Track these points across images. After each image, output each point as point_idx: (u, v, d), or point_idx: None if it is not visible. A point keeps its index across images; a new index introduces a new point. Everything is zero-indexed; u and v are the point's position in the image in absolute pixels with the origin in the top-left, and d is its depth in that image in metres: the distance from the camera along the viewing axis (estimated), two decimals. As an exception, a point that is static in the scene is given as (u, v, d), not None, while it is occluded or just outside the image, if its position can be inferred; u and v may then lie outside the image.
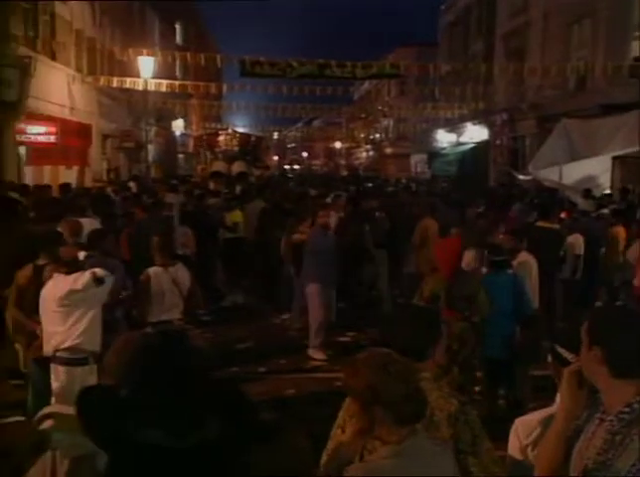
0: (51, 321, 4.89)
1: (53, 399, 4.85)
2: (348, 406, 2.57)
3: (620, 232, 9.29)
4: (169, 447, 1.20)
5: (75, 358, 4.84)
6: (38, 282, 5.34)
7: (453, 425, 2.60)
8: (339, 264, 8.45)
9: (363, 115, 56.00)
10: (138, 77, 20.38)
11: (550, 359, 2.59)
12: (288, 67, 19.69)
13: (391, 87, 50.30)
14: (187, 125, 39.83)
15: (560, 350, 2.47)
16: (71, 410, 2.04)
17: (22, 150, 15.52)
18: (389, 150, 55.82)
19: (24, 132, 15.03)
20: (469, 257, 6.10)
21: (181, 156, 40.93)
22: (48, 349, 4.91)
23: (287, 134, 74.42)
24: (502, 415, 5.56)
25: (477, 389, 6.17)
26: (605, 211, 11.07)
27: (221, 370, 6.68)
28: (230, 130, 30.75)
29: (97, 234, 6.55)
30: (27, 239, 6.75)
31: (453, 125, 33.86)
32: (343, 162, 73.78)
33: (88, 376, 4.70)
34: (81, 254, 5.04)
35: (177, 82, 24.57)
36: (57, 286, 4.82)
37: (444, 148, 35.22)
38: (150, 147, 24.73)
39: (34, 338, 5.32)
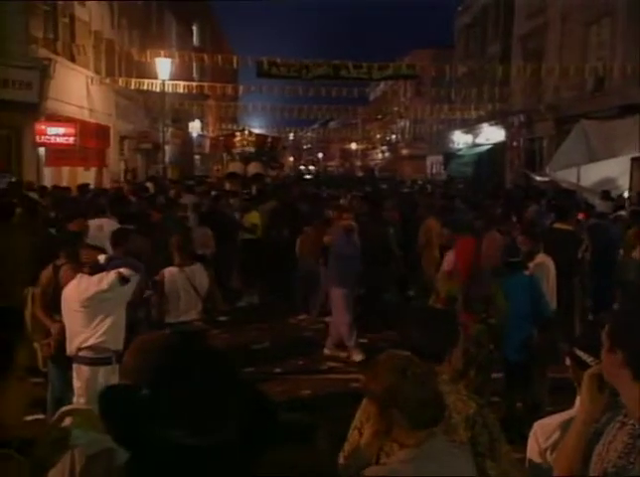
0: (74, 320, 4.90)
1: (75, 399, 4.88)
2: (365, 408, 2.57)
3: (637, 233, 9.18)
4: (191, 446, 1.21)
5: (98, 357, 4.83)
6: (56, 282, 5.41)
7: (471, 428, 2.59)
8: (365, 267, 8.40)
9: (379, 116, 56.01)
10: (156, 78, 20.53)
11: (568, 362, 2.57)
12: (304, 68, 19.73)
13: (407, 88, 50.20)
14: (203, 126, 40.01)
15: (580, 353, 2.45)
16: (90, 408, 2.06)
17: (41, 151, 15.70)
18: (404, 151, 55.73)
19: (44, 133, 15.20)
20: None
21: (197, 157, 41.10)
22: (71, 348, 4.91)
23: (303, 135, 74.63)
24: (519, 418, 5.53)
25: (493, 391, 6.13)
26: (623, 212, 10.96)
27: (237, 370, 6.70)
28: (246, 131, 30.81)
29: (122, 233, 6.62)
30: (47, 240, 6.84)
31: (469, 126, 33.73)
32: (358, 163, 73.78)
33: (111, 375, 4.67)
34: (101, 257, 5.04)
35: (194, 84, 24.73)
36: (80, 286, 4.82)
37: (460, 149, 35.09)
38: (167, 148, 24.88)
39: (48, 336, 5.37)
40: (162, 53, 20.66)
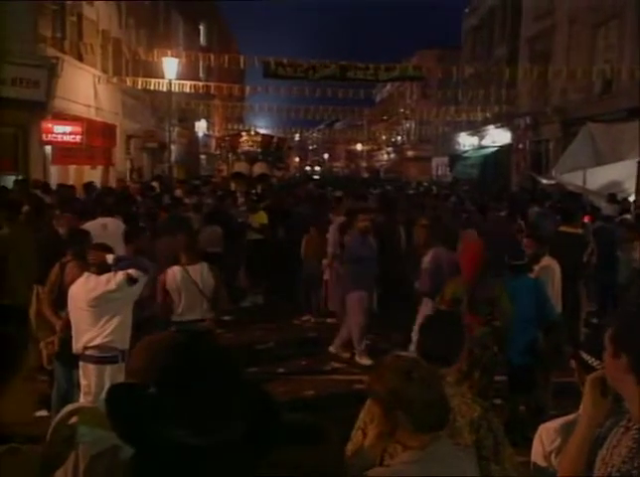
0: (81, 319, 4.91)
1: (81, 397, 4.89)
2: (369, 409, 2.57)
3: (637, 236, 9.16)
4: (195, 445, 1.22)
5: (105, 356, 4.85)
6: (62, 279, 5.43)
7: (476, 432, 2.59)
8: (381, 269, 8.34)
9: (384, 118, 55.98)
10: (162, 78, 20.57)
11: (574, 365, 2.56)
12: (311, 69, 19.74)
13: (413, 90, 50.22)
14: (209, 126, 40.02)
15: (585, 356, 2.45)
16: (96, 406, 2.07)
17: (48, 149, 15.74)
18: (410, 153, 55.68)
19: (50, 132, 15.24)
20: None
21: (203, 157, 41.14)
22: (77, 346, 4.92)
23: (309, 136, 74.60)
24: (522, 421, 5.52)
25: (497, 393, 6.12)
26: (628, 216, 10.94)
27: (241, 370, 6.70)
28: (252, 131, 30.85)
29: (134, 231, 6.65)
30: (53, 237, 6.86)
31: (475, 128, 33.66)
32: (364, 164, 73.77)
33: (118, 374, 4.69)
34: (109, 257, 5.04)
35: (200, 84, 24.75)
36: (88, 285, 4.84)
37: (466, 151, 35.04)
38: (173, 147, 24.90)
39: (54, 334, 5.39)
40: (169, 52, 20.68)
